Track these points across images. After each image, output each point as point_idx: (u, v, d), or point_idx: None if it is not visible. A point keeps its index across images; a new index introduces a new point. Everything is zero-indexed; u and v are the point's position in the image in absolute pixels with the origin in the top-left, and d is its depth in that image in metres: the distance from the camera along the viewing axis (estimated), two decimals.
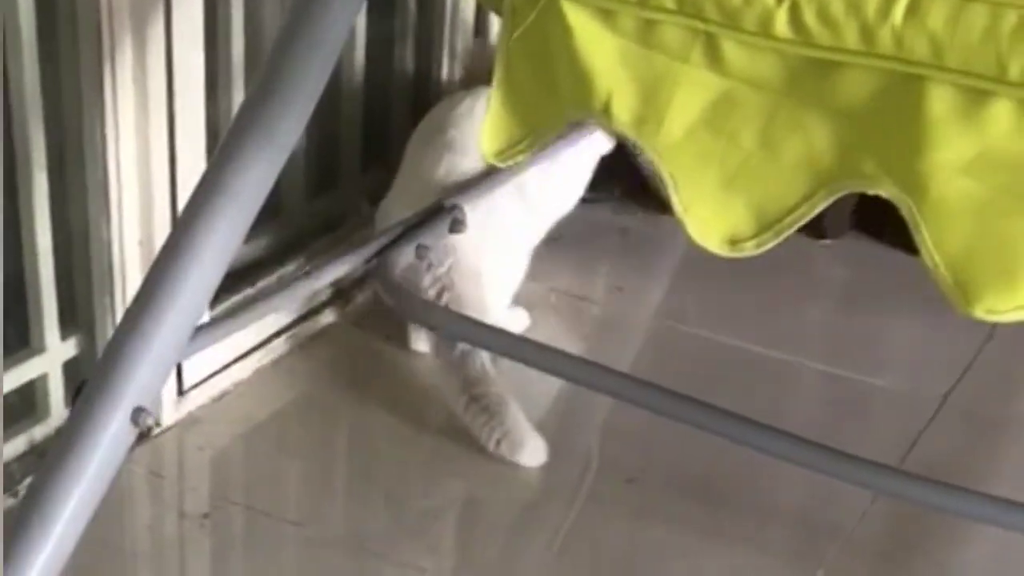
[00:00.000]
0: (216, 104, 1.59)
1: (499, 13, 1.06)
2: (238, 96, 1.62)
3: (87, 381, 1.21)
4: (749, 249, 1.00)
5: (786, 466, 1.58)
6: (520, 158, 1.04)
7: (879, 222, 2.12)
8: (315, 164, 1.83)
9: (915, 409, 1.76)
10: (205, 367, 1.63)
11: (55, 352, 1.50)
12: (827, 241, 2.13)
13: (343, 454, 1.64)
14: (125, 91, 1.43)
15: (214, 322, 1.35)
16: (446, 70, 1.96)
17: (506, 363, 1.71)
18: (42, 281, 1.46)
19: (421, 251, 1.50)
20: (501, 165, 1.04)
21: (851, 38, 0.92)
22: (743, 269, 2.01)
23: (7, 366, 1.43)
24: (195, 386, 1.63)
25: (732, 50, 0.96)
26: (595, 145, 1.83)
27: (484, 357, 1.61)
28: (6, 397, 1.43)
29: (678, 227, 1.82)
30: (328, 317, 1.81)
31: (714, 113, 0.97)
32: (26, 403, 1.50)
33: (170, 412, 1.60)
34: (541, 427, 1.61)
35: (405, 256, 1.49)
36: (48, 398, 1.51)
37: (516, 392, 1.65)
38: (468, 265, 1.67)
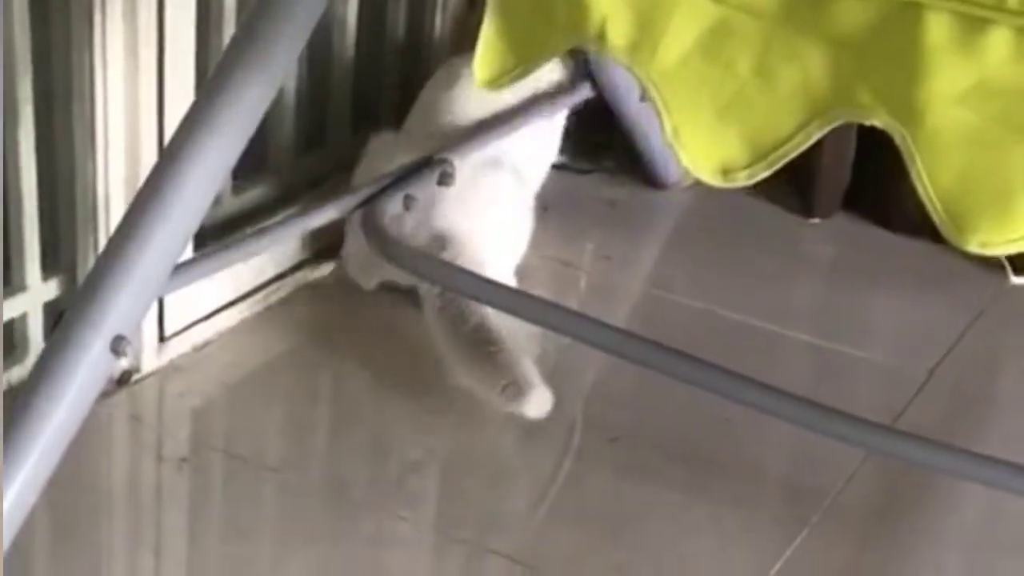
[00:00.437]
0: (206, 43, 1.58)
1: None
2: (229, 34, 1.60)
3: (66, 309, 1.20)
4: (741, 179, 0.99)
5: (772, 429, 1.58)
6: (511, 84, 1.03)
7: (869, 202, 2.12)
8: (305, 120, 1.82)
9: (901, 383, 1.75)
10: (188, 315, 1.62)
11: (36, 291, 1.48)
12: (816, 220, 2.12)
13: (325, 405, 1.63)
14: (114, 26, 1.42)
15: (197, 258, 1.34)
16: (439, 29, 1.95)
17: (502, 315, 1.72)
18: (25, 218, 1.45)
19: (408, 201, 1.49)
20: (492, 91, 1.04)
21: None
22: (733, 244, 2.04)
23: None
24: (177, 334, 1.61)
25: None
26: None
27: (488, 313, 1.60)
28: None
29: (668, 200, 1.84)
30: (314, 271, 1.80)
31: (709, 41, 0.96)
32: (5, 343, 1.49)
33: (151, 359, 1.59)
34: None
35: (392, 206, 1.48)
36: (27, 339, 1.50)
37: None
38: (459, 228, 1.66)
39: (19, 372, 1.48)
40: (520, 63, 1.03)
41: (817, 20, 0.94)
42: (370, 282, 1.74)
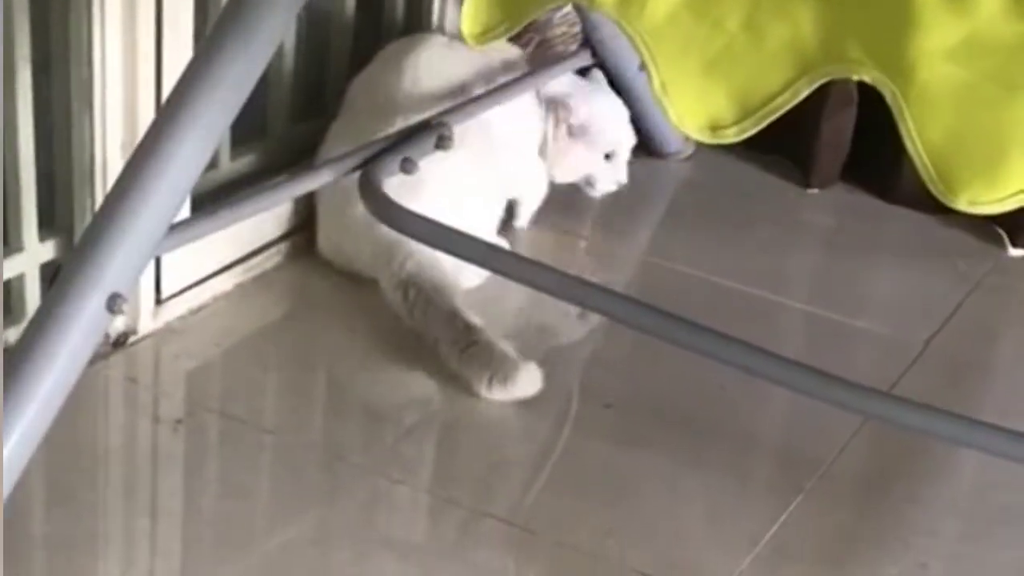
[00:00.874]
0: (204, 3, 1.58)
1: None
2: None
3: (62, 266, 1.21)
4: (730, 136, 0.99)
5: (767, 397, 1.59)
6: (497, 39, 1.03)
7: (868, 173, 2.12)
8: (302, 86, 1.82)
9: (897, 352, 1.76)
10: (184, 278, 1.63)
11: (33, 252, 1.49)
12: (815, 190, 2.12)
13: (322, 369, 1.63)
14: None
15: (193, 218, 1.34)
16: None
17: (490, 287, 1.73)
18: (22, 179, 1.45)
19: (407, 165, 1.49)
20: (479, 47, 1.04)
21: None
22: (732, 213, 2.05)
23: None
24: (174, 296, 1.62)
25: None
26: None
27: (457, 305, 1.60)
28: None
29: (668, 170, 1.84)
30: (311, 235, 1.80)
31: None
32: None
33: (147, 321, 1.59)
34: (522, 352, 1.60)
35: (390, 169, 1.48)
36: (24, 300, 1.50)
37: (497, 316, 1.65)
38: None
39: (15, 333, 1.48)
40: (507, 19, 1.03)
41: None
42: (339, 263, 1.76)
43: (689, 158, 2.11)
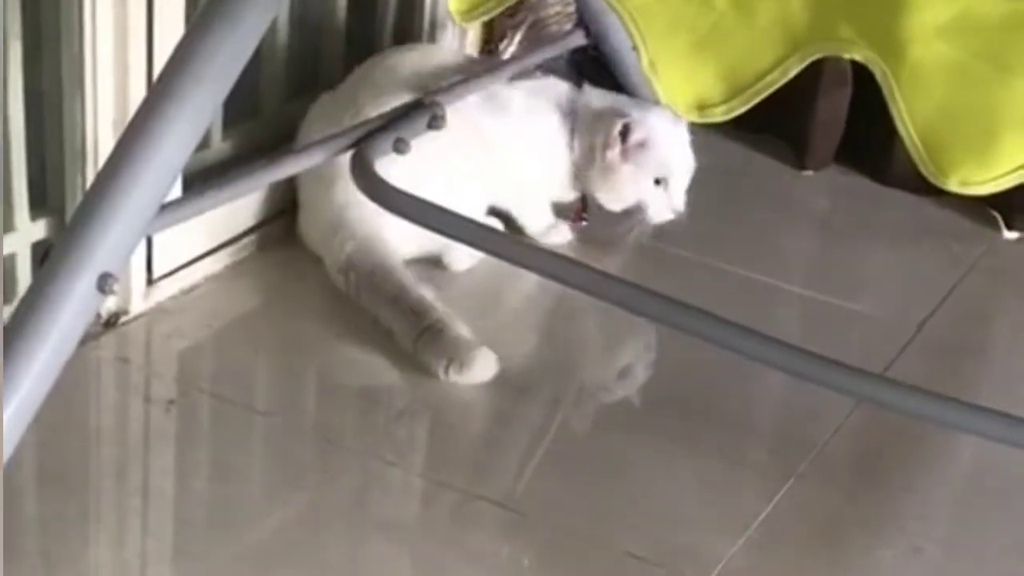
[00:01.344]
0: None
1: None
2: None
3: (53, 246, 1.20)
4: (718, 115, 0.98)
5: (761, 381, 1.59)
6: (484, 17, 1.03)
7: (863, 155, 2.12)
8: (296, 65, 1.82)
9: (891, 335, 1.75)
10: (176, 258, 1.62)
11: (24, 232, 1.48)
12: (810, 172, 2.12)
13: (314, 351, 1.62)
14: None
15: (184, 198, 1.34)
16: None
17: (484, 269, 1.72)
18: (13, 159, 1.44)
19: (400, 145, 1.48)
20: (466, 24, 1.03)
21: None
22: (726, 194, 2.04)
23: None
24: (165, 276, 1.61)
25: None
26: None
27: (404, 285, 1.60)
28: None
29: None
30: None
31: None
32: None
33: (139, 302, 1.59)
34: (516, 335, 1.60)
35: (382, 149, 1.47)
36: (16, 280, 1.50)
37: (491, 298, 1.64)
38: None
39: (6, 313, 1.47)
40: None
41: None
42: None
43: None
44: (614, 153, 1.78)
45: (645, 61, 0.98)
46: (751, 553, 1.36)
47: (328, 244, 1.67)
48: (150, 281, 1.60)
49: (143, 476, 1.42)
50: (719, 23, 0.96)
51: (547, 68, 1.90)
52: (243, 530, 1.33)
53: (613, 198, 1.83)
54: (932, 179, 0.94)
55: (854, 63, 0.96)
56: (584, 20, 1.91)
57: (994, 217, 2.02)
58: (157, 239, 1.57)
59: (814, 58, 0.97)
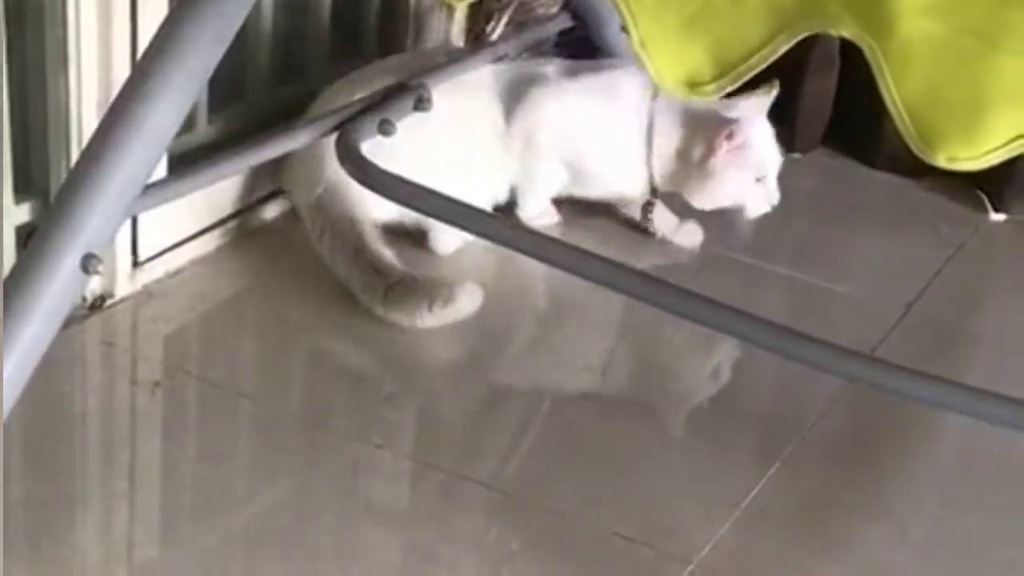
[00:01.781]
0: None
1: None
2: None
3: (37, 227, 1.19)
4: (709, 92, 0.98)
5: (747, 363, 1.59)
6: None
7: (850, 137, 2.12)
8: (282, 49, 1.81)
9: (878, 317, 1.75)
10: (162, 240, 1.62)
11: (9, 214, 1.47)
12: (797, 154, 2.12)
13: (301, 334, 1.62)
14: None
15: (168, 179, 1.33)
16: None
17: (474, 253, 1.72)
18: None
19: (385, 127, 1.48)
20: (458, 4, 1.03)
21: None
22: None
23: None
24: (151, 259, 1.61)
25: None
26: None
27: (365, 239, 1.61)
28: None
29: None
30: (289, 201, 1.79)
31: None
32: None
33: (124, 284, 1.58)
34: (501, 313, 1.60)
35: (369, 131, 1.47)
36: (1, 262, 1.49)
37: (478, 278, 1.65)
38: None
39: None
40: None
41: None
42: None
43: None
44: (718, 158, 1.77)
45: (636, 40, 0.98)
46: (740, 533, 1.36)
47: (302, 184, 1.68)
48: (136, 264, 1.59)
49: (129, 459, 1.42)
50: (709, 1, 0.95)
51: (535, 50, 1.90)
52: (230, 514, 1.32)
53: (711, 199, 1.82)
54: (920, 155, 0.94)
55: (842, 44, 0.96)
56: (571, 1, 1.90)
57: (981, 199, 2.02)
58: (142, 222, 1.57)
59: (803, 35, 0.96)
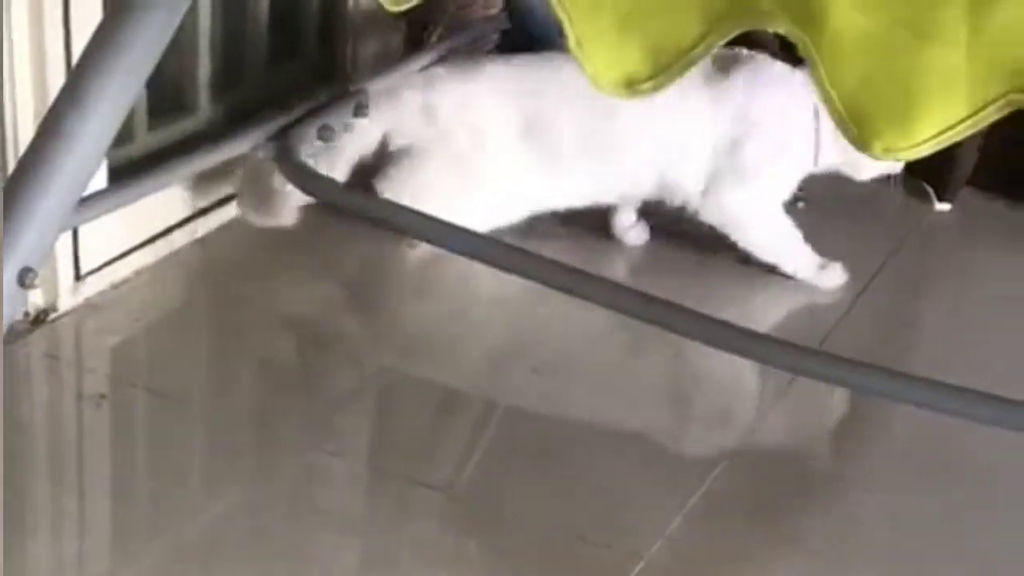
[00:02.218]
0: None
1: None
2: None
3: None
4: (646, 91, 0.97)
5: (694, 357, 1.59)
6: (413, 3, 1.01)
7: None
8: (221, 57, 1.80)
9: (826, 308, 1.77)
10: (104, 253, 1.60)
11: None
12: None
13: (249, 342, 1.60)
14: None
15: (104, 191, 1.32)
16: None
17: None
18: None
19: (325, 132, 1.47)
20: (395, 10, 1.02)
21: None
22: None
23: None
24: (93, 272, 1.59)
25: None
26: None
27: None
28: None
29: None
30: (232, 210, 1.78)
31: None
32: None
33: (67, 298, 1.57)
34: (455, 319, 1.59)
35: (307, 137, 1.46)
36: None
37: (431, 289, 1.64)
38: None
39: None
40: None
41: None
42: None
43: None
44: None
45: (572, 40, 0.97)
46: (691, 527, 1.36)
47: None
48: (78, 276, 1.57)
49: (77, 473, 1.41)
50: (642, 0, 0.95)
51: (476, 50, 1.90)
52: (183, 525, 1.31)
53: (875, 168, 1.86)
54: (857, 147, 0.94)
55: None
56: (510, 5, 1.90)
57: (926, 190, 2.03)
58: (84, 233, 1.55)
59: (737, 32, 0.96)
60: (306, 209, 1.68)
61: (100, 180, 1.39)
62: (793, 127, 1.79)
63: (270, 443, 1.44)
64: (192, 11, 1.63)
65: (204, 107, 1.77)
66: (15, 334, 1.48)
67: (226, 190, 1.76)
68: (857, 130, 0.93)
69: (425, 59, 1.77)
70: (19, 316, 1.50)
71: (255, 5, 1.83)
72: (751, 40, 1.81)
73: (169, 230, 1.69)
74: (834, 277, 1.82)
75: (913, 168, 1.91)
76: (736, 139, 1.77)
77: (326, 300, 1.65)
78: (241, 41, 1.84)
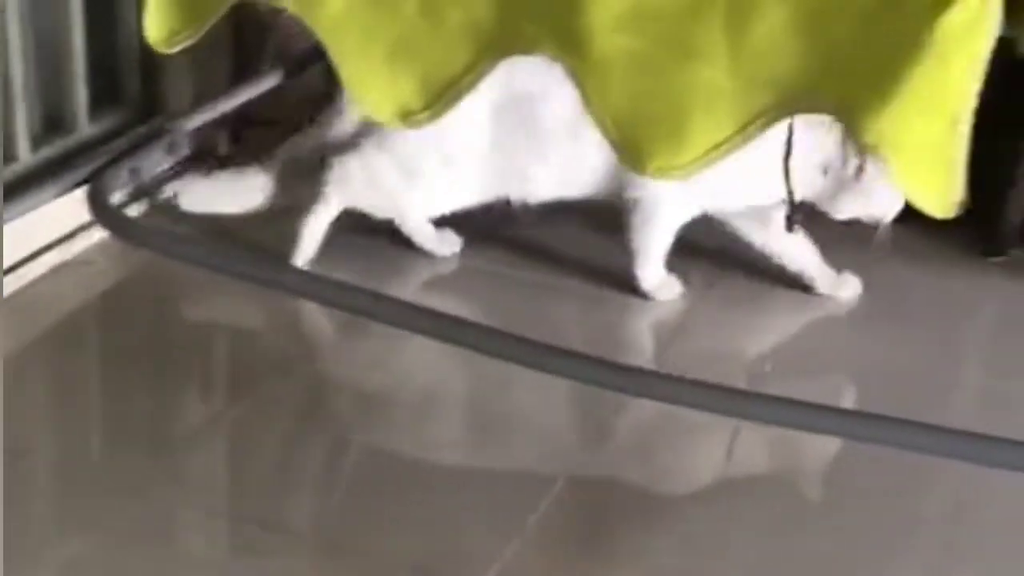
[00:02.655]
0: None
1: None
2: None
3: None
4: (423, 121, 0.98)
5: (528, 385, 1.59)
6: (183, 44, 1.01)
7: None
8: (41, 107, 1.78)
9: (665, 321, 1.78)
10: None
11: None
12: None
13: (92, 389, 1.58)
14: None
15: None
16: None
17: None
18: None
19: (134, 175, 1.46)
20: (167, 51, 1.02)
21: None
22: None
23: None
24: None
25: None
26: None
27: None
28: None
29: None
30: (68, 251, 1.74)
31: None
32: None
33: None
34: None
35: (119, 179, 1.45)
36: None
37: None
38: None
39: None
40: (188, 24, 1.01)
41: None
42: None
43: None
44: (874, 171, 1.70)
45: (345, 77, 0.98)
46: (528, 551, 1.36)
47: None
48: None
49: None
50: (410, 31, 0.96)
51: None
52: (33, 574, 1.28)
53: (857, 210, 1.78)
54: (632, 169, 0.95)
55: None
56: None
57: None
58: None
59: (507, 58, 0.97)
60: None
61: None
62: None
63: (118, 488, 1.40)
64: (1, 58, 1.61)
65: (24, 155, 1.74)
66: None
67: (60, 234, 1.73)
68: (629, 152, 0.94)
69: (250, 92, 1.76)
70: None
71: (70, 50, 1.81)
72: None
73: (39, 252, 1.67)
74: (850, 288, 1.84)
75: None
76: None
77: (188, 336, 1.63)
78: (58, 88, 1.81)
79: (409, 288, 1.78)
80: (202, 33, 1.02)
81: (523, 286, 1.82)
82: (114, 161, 1.44)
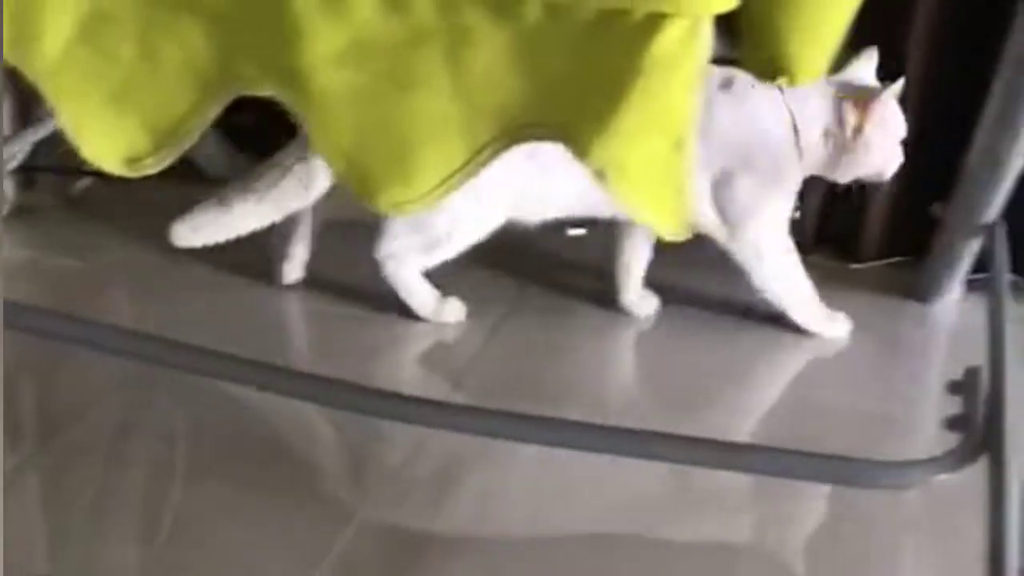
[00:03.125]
0: None
1: None
2: None
3: None
4: (151, 166, 0.96)
5: (315, 418, 1.57)
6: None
7: None
8: None
9: (465, 342, 1.77)
10: None
11: None
12: None
13: None
14: None
15: None
16: None
17: None
18: None
19: None
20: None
21: None
22: None
23: None
24: None
25: None
26: None
27: None
28: None
29: None
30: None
31: (89, 28, 0.93)
32: None
33: None
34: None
35: None
36: None
37: None
38: None
39: None
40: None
41: None
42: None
43: None
44: (871, 128, 1.73)
45: (66, 124, 0.95)
46: None
47: None
48: None
49: None
50: (129, 75, 0.93)
51: None
52: None
53: (859, 171, 1.79)
54: (365, 204, 0.94)
55: None
56: None
57: None
58: None
59: (229, 99, 0.95)
60: None
61: None
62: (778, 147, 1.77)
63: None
64: None
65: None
66: None
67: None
68: (360, 186, 0.93)
69: (34, 135, 1.72)
70: None
71: None
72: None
73: None
74: (840, 328, 1.84)
75: None
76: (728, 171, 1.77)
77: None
78: None
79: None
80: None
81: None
82: None
